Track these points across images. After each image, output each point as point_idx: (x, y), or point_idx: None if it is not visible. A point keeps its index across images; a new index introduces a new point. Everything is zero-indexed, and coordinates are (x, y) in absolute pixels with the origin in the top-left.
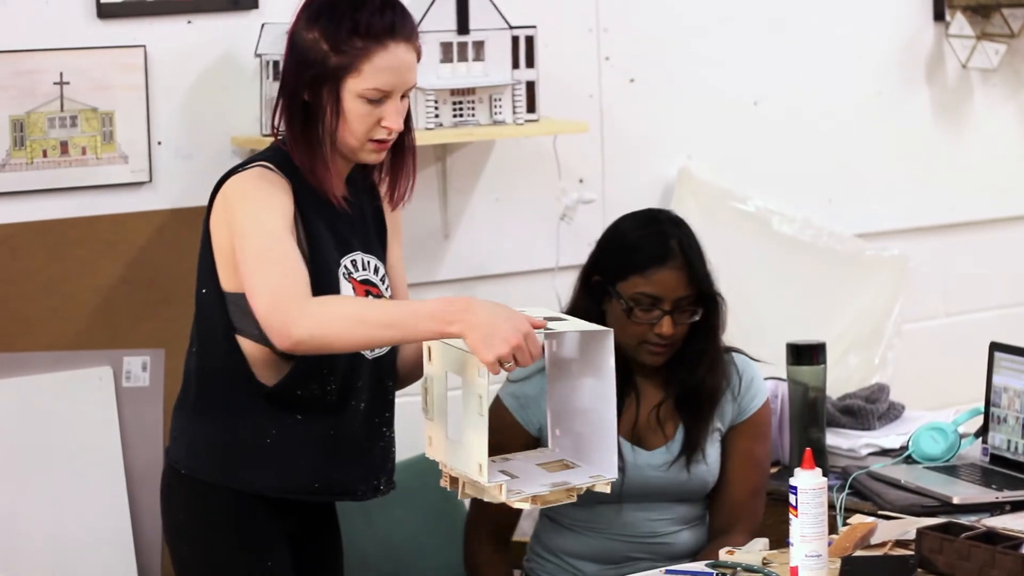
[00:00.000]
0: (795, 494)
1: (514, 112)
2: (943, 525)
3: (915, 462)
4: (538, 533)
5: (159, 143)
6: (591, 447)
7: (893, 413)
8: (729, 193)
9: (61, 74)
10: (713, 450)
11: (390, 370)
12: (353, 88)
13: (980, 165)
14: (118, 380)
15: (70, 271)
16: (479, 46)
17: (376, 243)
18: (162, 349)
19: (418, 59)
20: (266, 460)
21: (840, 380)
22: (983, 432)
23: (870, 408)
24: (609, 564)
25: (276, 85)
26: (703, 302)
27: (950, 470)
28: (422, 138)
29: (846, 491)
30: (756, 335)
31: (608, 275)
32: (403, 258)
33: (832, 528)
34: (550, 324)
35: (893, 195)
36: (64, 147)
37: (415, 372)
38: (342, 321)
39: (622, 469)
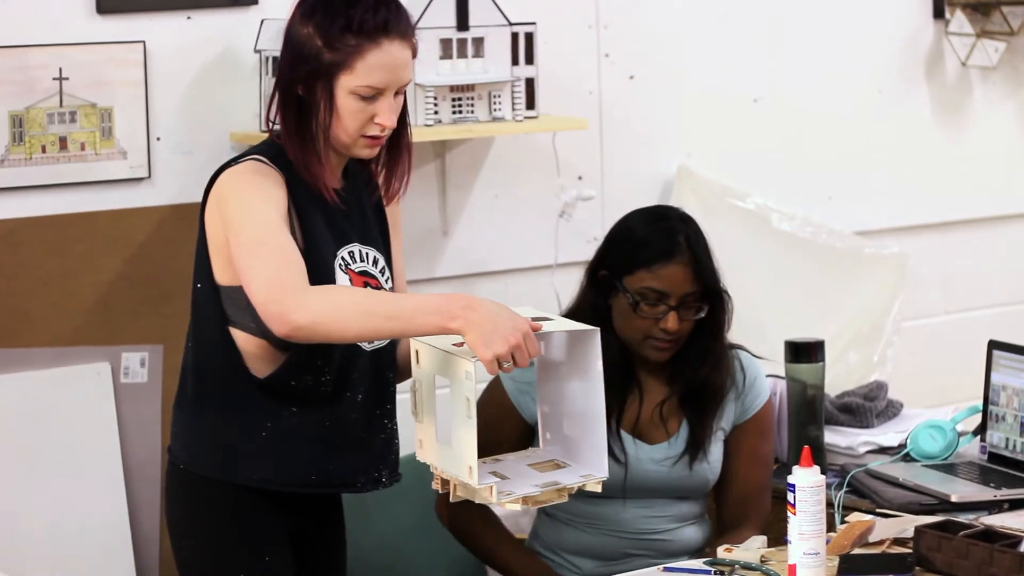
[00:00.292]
0: (793, 492)
1: (513, 109)
2: (941, 523)
3: (913, 460)
4: (536, 529)
5: (158, 139)
6: (581, 447)
7: (891, 411)
8: (728, 190)
9: (60, 69)
10: (715, 449)
11: (390, 362)
12: (346, 85)
13: (979, 163)
14: (116, 376)
15: (69, 267)
16: (479, 42)
17: (377, 235)
18: (160, 345)
19: (414, 56)
20: (263, 453)
21: (839, 378)
22: (981, 430)
23: (869, 406)
24: (607, 560)
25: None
26: (709, 299)
27: (948, 468)
28: (421, 134)
29: (844, 489)
30: (755, 332)
31: (615, 270)
32: (403, 254)
33: (830, 526)
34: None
35: (892, 193)
36: (63, 143)
37: None
38: (343, 310)
39: (625, 463)
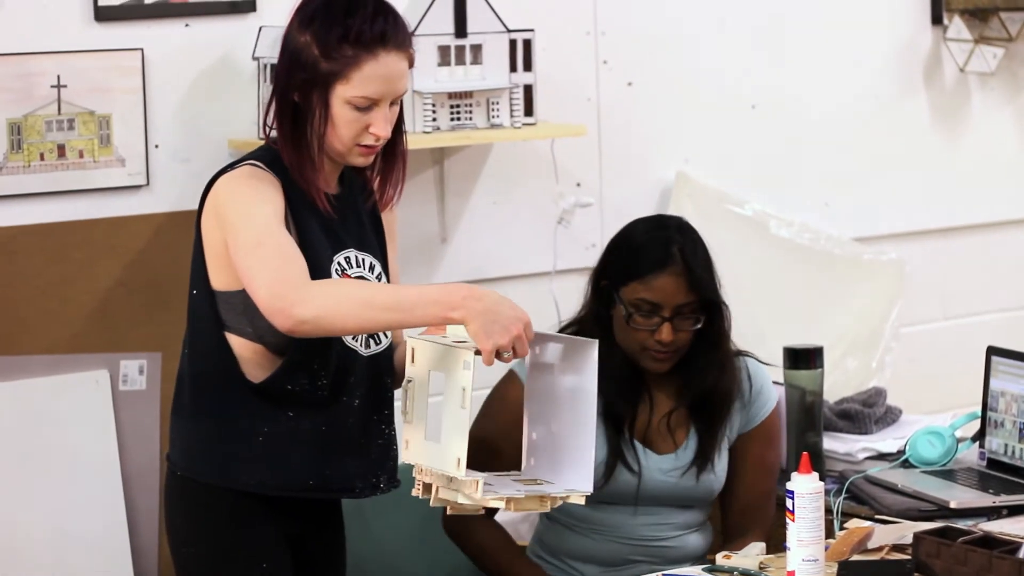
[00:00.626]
0: (792, 498)
1: (512, 115)
2: (940, 529)
3: (912, 466)
4: (539, 535)
5: (156, 146)
6: (568, 463)
7: (890, 417)
8: (727, 196)
9: (58, 77)
10: (721, 459)
11: (387, 367)
12: (342, 94)
13: (978, 169)
14: (115, 384)
15: (67, 274)
16: (477, 49)
17: (373, 241)
18: (159, 353)
19: (410, 66)
20: (260, 458)
21: (837, 384)
22: (980, 436)
23: (867, 412)
24: (610, 567)
25: None
26: (706, 309)
27: (947, 474)
28: (420, 141)
29: (843, 495)
30: (753, 339)
31: (612, 280)
32: (401, 261)
33: (829, 532)
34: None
35: (891, 199)
36: (61, 150)
37: None
38: (346, 302)
39: (639, 473)
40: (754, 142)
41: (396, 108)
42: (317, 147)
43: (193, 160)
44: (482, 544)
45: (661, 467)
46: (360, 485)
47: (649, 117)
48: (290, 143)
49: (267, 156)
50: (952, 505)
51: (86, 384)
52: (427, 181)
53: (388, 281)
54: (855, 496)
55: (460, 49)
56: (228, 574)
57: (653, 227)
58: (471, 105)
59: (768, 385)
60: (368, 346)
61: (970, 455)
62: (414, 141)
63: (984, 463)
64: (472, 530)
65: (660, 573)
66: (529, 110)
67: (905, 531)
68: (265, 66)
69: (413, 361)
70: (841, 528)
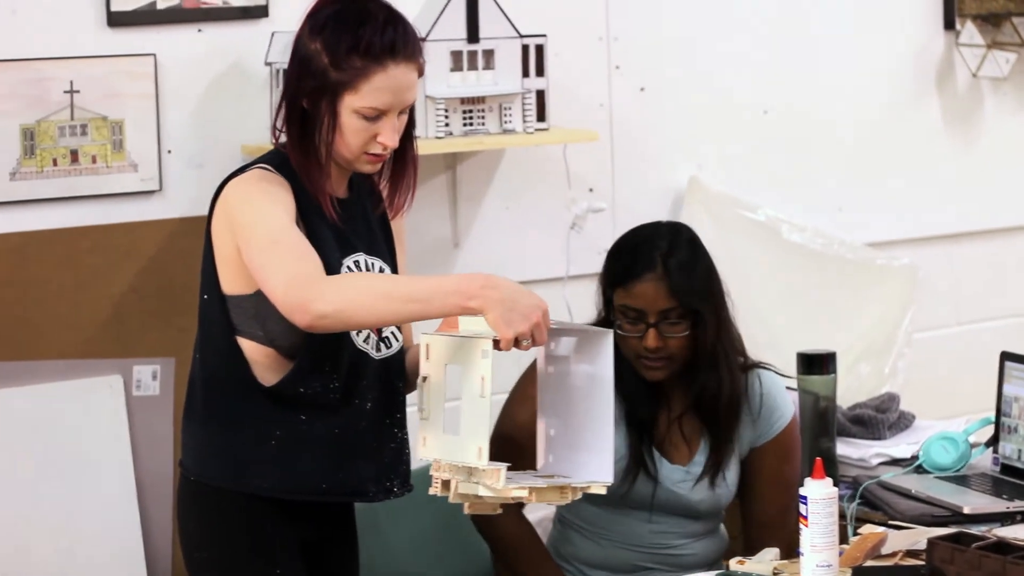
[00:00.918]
0: (805, 504)
1: (524, 121)
2: (954, 535)
3: (926, 472)
4: (551, 540)
5: (169, 152)
6: (586, 456)
7: (903, 423)
8: (739, 202)
9: (71, 83)
10: (732, 472)
11: (399, 370)
12: (350, 104)
13: (991, 174)
14: (128, 389)
15: (80, 280)
16: (489, 55)
17: (382, 246)
18: (172, 358)
19: (420, 75)
20: (272, 462)
21: (850, 390)
22: (994, 442)
23: (880, 418)
24: (620, 573)
25: None
26: (693, 315)
27: (961, 480)
28: (432, 147)
29: (857, 501)
30: (766, 344)
31: (605, 287)
32: (413, 266)
33: (843, 538)
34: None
35: (903, 204)
36: (74, 156)
37: None
38: (365, 294)
39: (656, 479)
40: (766, 147)
41: (404, 117)
42: (325, 153)
43: (206, 165)
44: (506, 537)
45: (672, 477)
46: (373, 489)
47: (661, 122)
48: (298, 148)
49: (276, 159)
50: (966, 510)
51: (99, 389)
52: (439, 186)
53: None
54: (869, 501)
55: (472, 54)
56: None
57: (643, 233)
58: (483, 110)
59: (783, 398)
60: (380, 349)
61: (983, 460)
62: (426, 147)
63: (998, 468)
64: (499, 522)
65: None
66: (541, 115)
67: (919, 536)
68: (277, 71)
69: (428, 358)
70: (855, 534)
